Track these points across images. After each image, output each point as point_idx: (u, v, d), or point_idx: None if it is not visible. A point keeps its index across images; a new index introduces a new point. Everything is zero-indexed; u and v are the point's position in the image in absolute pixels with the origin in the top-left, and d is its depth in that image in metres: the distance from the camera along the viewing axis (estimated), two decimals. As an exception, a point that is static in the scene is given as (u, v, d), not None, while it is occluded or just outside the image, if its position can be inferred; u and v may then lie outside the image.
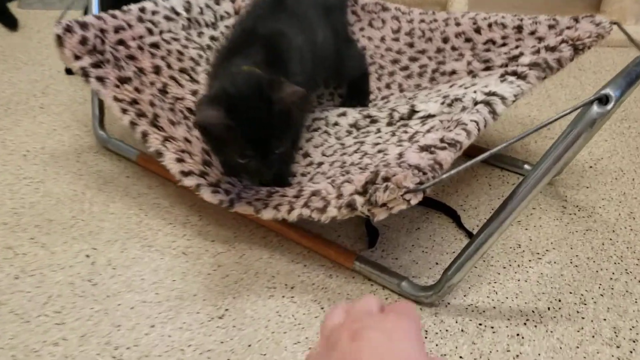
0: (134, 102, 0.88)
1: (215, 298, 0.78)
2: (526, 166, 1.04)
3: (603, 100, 0.65)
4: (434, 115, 0.83)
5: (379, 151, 0.80)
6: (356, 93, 1.03)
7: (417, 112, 0.85)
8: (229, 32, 1.02)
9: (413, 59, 1.08)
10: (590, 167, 1.07)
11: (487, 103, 0.78)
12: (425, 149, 0.68)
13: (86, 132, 1.13)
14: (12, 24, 1.62)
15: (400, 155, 0.69)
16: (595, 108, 0.65)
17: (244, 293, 0.79)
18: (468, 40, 1.04)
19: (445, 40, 1.07)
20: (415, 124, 0.83)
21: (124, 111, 0.87)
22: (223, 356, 0.70)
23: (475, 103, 0.78)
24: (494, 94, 0.80)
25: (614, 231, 0.91)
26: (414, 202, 0.63)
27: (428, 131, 0.76)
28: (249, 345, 0.71)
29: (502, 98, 0.79)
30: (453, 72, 1.01)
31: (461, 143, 0.70)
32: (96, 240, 0.87)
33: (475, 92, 0.82)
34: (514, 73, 0.86)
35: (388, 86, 1.06)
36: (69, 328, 0.73)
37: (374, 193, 0.64)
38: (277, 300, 0.78)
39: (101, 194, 0.97)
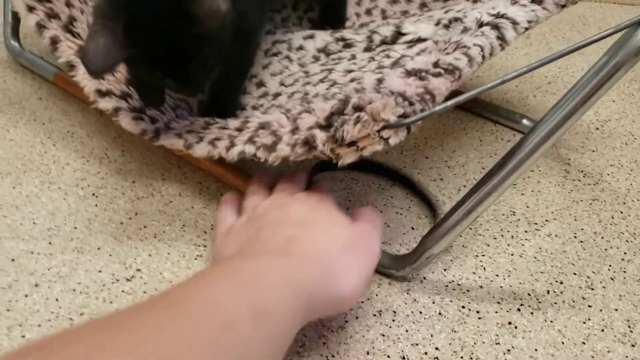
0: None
1: (125, 254, 0.60)
2: (524, 121, 0.87)
3: (651, 23, 0.48)
4: (424, 39, 0.65)
5: (352, 80, 0.62)
6: (331, 17, 0.84)
7: (404, 34, 0.67)
8: None
9: (400, -19, 0.90)
10: (597, 128, 0.91)
11: (495, 26, 0.60)
12: (413, 73, 0.50)
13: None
14: None
15: (380, 81, 0.51)
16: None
17: (163, 250, 0.61)
18: None
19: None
20: (400, 48, 0.65)
21: (30, 9, 0.68)
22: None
23: (480, 25, 0.60)
24: (503, 15, 0.62)
25: (624, 203, 0.75)
26: (393, 141, 0.46)
27: (418, 54, 0.58)
28: (162, 319, 0.54)
29: (514, 22, 0.61)
30: (450, -4, 0.83)
31: (460, 70, 0.52)
32: (-18, 172, 0.68)
33: (480, 13, 0.63)
34: (530, -4, 0.68)
35: (369, 12, 0.87)
36: None
37: (340, 126, 0.47)
38: (206, 263, 0.60)
39: (2, 116, 0.77)
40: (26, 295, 0.54)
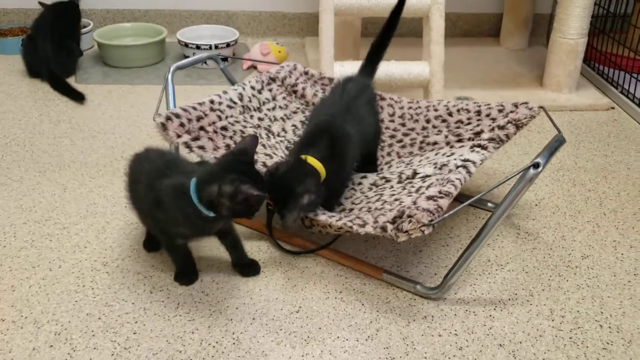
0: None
1: (291, 300, 1.16)
2: (489, 204, 1.46)
3: (536, 165, 1.08)
4: (430, 175, 1.25)
5: (395, 199, 1.21)
6: (369, 162, 1.45)
7: (418, 173, 1.27)
8: (305, 127, 1.45)
9: (405, 134, 1.52)
10: (536, 205, 1.50)
11: (464, 167, 1.20)
12: (430, 198, 1.09)
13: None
14: (79, 97, 1.99)
15: (415, 202, 1.10)
16: (532, 171, 1.07)
17: (309, 296, 1.18)
18: (444, 121, 1.48)
19: (428, 121, 1.51)
20: (418, 181, 1.24)
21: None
22: (304, 335, 1.08)
23: (457, 167, 1.20)
24: (467, 160, 1.23)
25: (551, 249, 1.34)
26: (427, 232, 1.04)
27: (429, 187, 1.18)
28: (320, 328, 1.10)
29: (473, 162, 1.22)
30: (435, 143, 1.44)
31: (452, 193, 1.11)
32: (203, 262, 1.25)
33: (455, 159, 1.24)
34: (479, 145, 1.29)
35: (389, 154, 1.48)
36: (198, 322, 1.11)
37: (401, 224, 1.05)
38: (332, 300, 1.17)
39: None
40: (250, 323, 1.11)
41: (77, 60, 2.28)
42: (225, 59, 2.32)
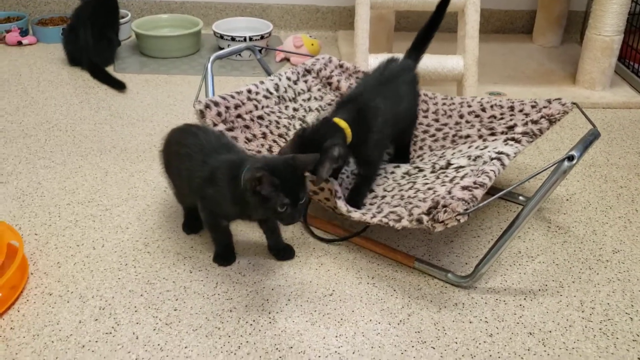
0: (259, 153, 1.32)
1: (325, 284, 1.20)
2: (521, 197, 1.48)
3: (570, 158, 1.09)
4: (463, 166, 1.27)
5: (429, 189, 1.23)
6: (402, 153, 1.47)
7: (452, 164, 1.30)
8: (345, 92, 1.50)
9: (438, 129, 1.54)
10: (567, 199, 1.51)
11: (498, 159, 1.22)
12: (465, 188, 1.12)
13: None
14: (120, 86, 2.05)
15: (449, 192, 1.13)
16: (566, 163, 1.09)
17: (341, 280, 1.21)
18: (477, 116, 1.50)
19: (461, 116, 1.53)
20: (451, 172, 1.27)
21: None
22: (337, 317, 1.12)
23: (491, 159, 1.22)
24: (501, 152, 1.25)
25: (582, 242, 1.35)
26: (462, 220, 1.06)
27: (463, 177, 1.20)
28: (352, 311, 1.13)
29: (507, 155, 1.24)
30: (468, 136, 1.46)
31: (486, 184, 1.13)
32: (239, 246, 1.29)
33: (489, 152, 1.26)
34: (513, 139, 1.31)
35: (421, 148, 1.51)
36: (235, 302, 1.15)
37: (436, 214, 1.07)
38: (364, 286, 1.20)
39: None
40: (285, 304, 1.14)
41: (116, 49, 2.34)
42: (260, 51, 2.35)
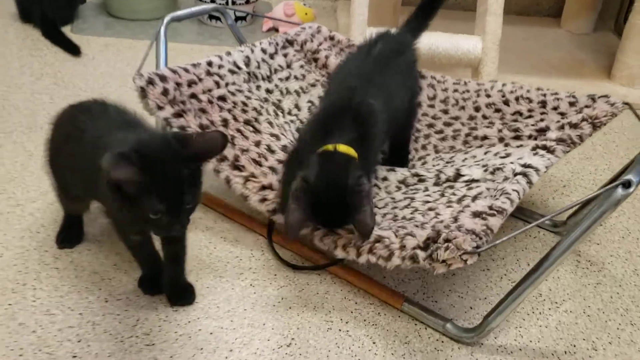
0: None
1: (282, 328, 0.90)
2: (546, 221, 1.17)
3: (627, 184, 0.79)
4: (477, 180, 0.96)
5: (430, 209, 0.93)
6: (399, 153, 1.16)
7: (462, 175, 0.98)
8: (321, 102, 1.11)
9: (447, 124, 1.22)
10: (601, 225, 1.20)
11: (525, 174, 0.91)
12: (477, 215, 0.81)
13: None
14: (74, 50, 1.73)
15: (455, 219, 0.82)
16: (620, 191, 0.78)
17: (305, 325, 0.91)
18: (498, 110, 1.19)
19: (477, 109, 1.21)
20: (461, 186, 0.96)
21: None
22: (295, 381, 0.82)
23: (515, 174, 0.92)
24: (529, 166, 0.94)
25: (620, 286, 1.05)
26: (470, 262, 0.76)
27: (476, 197, 0.89)
28: (315, 372, 0.84)
29: (536, 170, 0.93)
30: (485, 138, 1.14)
31: (506, 210, 0.83)
32: (173, 269, 0.99)
33: (512, 163, 0.95)
34: (544, 147, 1.00)
35: (424, 147, 1.19)
36: (158, 349, 0.85)
37: (435, 251, 0.77)
38: (335, 333, 0.90)
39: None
40: (226, 357, 0.85)
41: (78, 6, 2.03)
42: (242, 18, 2.03)
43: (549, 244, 1.13)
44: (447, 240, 0.77)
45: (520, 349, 0.90)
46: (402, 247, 0.82)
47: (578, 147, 1.03)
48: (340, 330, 0.91)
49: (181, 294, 0.93)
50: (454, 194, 0.94)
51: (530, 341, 0.92)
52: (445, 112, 1.26)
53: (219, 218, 1.12)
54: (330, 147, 0.87)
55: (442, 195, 0.96)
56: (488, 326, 0.88)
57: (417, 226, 0.88)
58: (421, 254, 0.79)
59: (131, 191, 0.72)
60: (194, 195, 0.76)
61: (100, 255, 1.01)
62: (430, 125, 1.25)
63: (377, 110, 0.94)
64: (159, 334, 0.87)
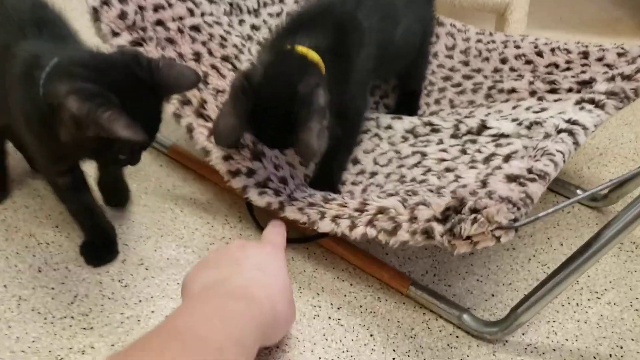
0: None
1: (257, 313, 0.71)
2: (579, 191, 0.98)
3: None
4: (507, 135, 0.77)
5: (447, 169, 0.74)
6: (407, 105, 0.96)
7: (488, 128, 0.79)
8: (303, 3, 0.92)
9: (467, 77, 1.02)
10: (645, 200, 1.01)
11: (571, 132, 0.72)
12: (513, 179, 0.62)
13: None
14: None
15: (484, 183, 0.63)
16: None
17: (287, 310, 0.72)
18: (529, 62, 0.99)
19: (504, 61, 1.01)
20: (487, 142, 0.76)
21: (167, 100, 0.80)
22: (268, 382, 0.64)
23: (559, 131, 0.72)
24: (575, 122, 0.74)
25: (673, 274, 0.86)
26: (504, 239, 0.57)
27: (509, 157, 0.70)
28: (295, 371, 0.65)
29: (584, 128, 0.74)
30: (512, 91, 0.95)
31: (549, 175, 0.64)
32: (127, 235, 0.81)
33: (554, 118, 0.76)
34: (592, 101, 0.80)
35: (437, 102, 0.99)
36: (97, 334, 0.67)
37: (458, 224, 0.58)
38: (323, 322, 0.72)
39: (132, 183, 0.90)
40: (183, 348, 0.66)
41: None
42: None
43: (585, 220, 0.94)
44: (474, 211, 0.58)
45: (554, 349, 0.72)
46: (413, 219, 0.63)
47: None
48: (329, 317, 0.72)
49: (118, 196, 0.84)
50: (478, 151, 0.75)
51: (567, 340, 0.74)
52: (466, 63, 1.06)
53: (190, 176, 0.93)
54: (288, 46, 0.69)
55: (463, 152, 0.76)
56: (517, 320, 0.69)
57: (431, 191, 0.69)
58: (438, 228, 0.60)
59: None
60: (157, 123, 0.66)
61: (40, 214, 0.82)
62: (446, 78, 1.05)
63: (364, 26, 0.76)
64: (100, 316, 0.69)
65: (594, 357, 0.72)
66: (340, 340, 0.70)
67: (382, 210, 0.67)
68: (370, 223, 0.66)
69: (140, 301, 0.71)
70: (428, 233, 0.61)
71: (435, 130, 0.85)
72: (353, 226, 0.67)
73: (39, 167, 0.79)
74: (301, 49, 0.70)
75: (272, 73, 0.68)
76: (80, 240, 0.77)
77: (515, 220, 0.57)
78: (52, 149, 0.65)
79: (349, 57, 0.74)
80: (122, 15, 0.83)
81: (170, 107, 0.80)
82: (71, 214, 0.75)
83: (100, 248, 0.76)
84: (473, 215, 0.58)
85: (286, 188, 0.77)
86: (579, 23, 1.69)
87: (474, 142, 0.79)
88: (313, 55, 0.70)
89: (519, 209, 0.58)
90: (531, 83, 0.93)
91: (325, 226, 0.70)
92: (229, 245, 0.66)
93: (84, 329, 0.67)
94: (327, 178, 0.81)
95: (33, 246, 0.77)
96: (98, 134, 0.57)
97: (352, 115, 0.80)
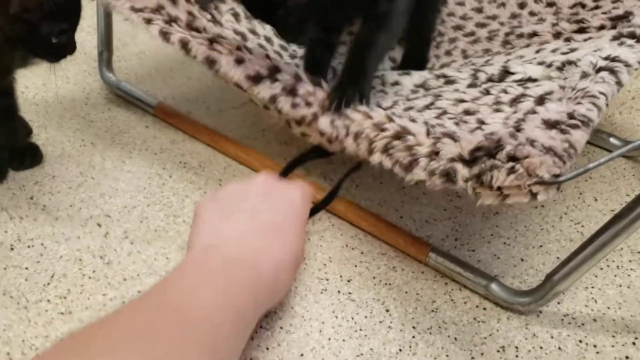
0: (160, 7, 0.69)
1: (257, 289, 0.63)
2: (612, 139, 0.89)
3: None
4: (535, 80, 0.66)
5: (467, 113, 0.63)
6: (414, 58, 0.85)
7: (512, 73, 0.69)
8: None
9: (481, 25, 0.91)
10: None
11: (612, 70, 0.62)
12: (552, 125, 0.53)
13: (96, 68, 0.96)
14: None
15: (518, 129, 0.53)
16: None
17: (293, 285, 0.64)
18: (550, 4, 0.88)
19: (522, 5, 0.90)
20: (513, 86, 0.66)
21: (149, 21, 0.68)
22: (272, 369, 0.56)
23: (598, 70, 0.62)
24: (615, 59, 0.64)
25: None
26: (541, 197, 0.48)
27: (543, 99, 0.60)
28: (301, 355, 0.57)
29: (627, 65, 0.63)
30: (534, 34, 0.84)
31: (593, 122, 0.54)
32: (109, 205, 0.72)
33: (590, 56, 0.65)
34: (632, 35, 0.70)
35: (448, 53, 0.88)
36: (76, 319, 0.59)
37: (489, 170, 0.49)
38: (332, 297, 0.63)
39: (115, 147, 0.81)
40: (174, 332, 0.58)
41: None
42: None
43: (620, 171, 0.85)
44: (512, 159, 0.49)
45: (594, 319, 0.63)
46: (433, 154, 0.53)
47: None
48: (339, 292, 0.64)
49: (27, 156, 0.77)
50: (504, 91, 0.65)
51: (608, 308, 0.65)
52: (479, 10, 0.95)
53: (179, 137, 0.84)
54: None
55: (487, 92, 0.66)
56: (553, 289, 0.60)
57: (455, 122, 0.59)
58: (463, 171, 0.51)
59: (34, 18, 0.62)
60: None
61: (13, 185, 0.74)
62: (457, 28, 0.93)
63: None
64: (80, 298, 0.61)
65: (640, 327, 0.63)
66: (352, 318, 0.61)
67: (400, 135, 0.56)
68: (385, 150, 0.56)
69: (124, 280, 0.63)
70: (449, 176, 0.52)
71: (449, 82, 0.74)
72: (370, 150, 0.57)
73: None
74: None
75: None
76: (57, 213, 0.69)
77: (559, 175, 0.48)
78: None
79: None
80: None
81: (154, 27, 0.68)
82: None
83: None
84: (511, 164, 0.49)
85: (314, 95, 0.63)
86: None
87: (497, 86, 0.68)
88: None
89: (564, 162, 0.49)
90: (554, 25, 0.82)
91: (349, 145, 0.59)
92: (253, 180, 0.60)
93: (62, 313, 0.59)
94: (359, 66, 0.68)
95: (5, 221, 0.69)
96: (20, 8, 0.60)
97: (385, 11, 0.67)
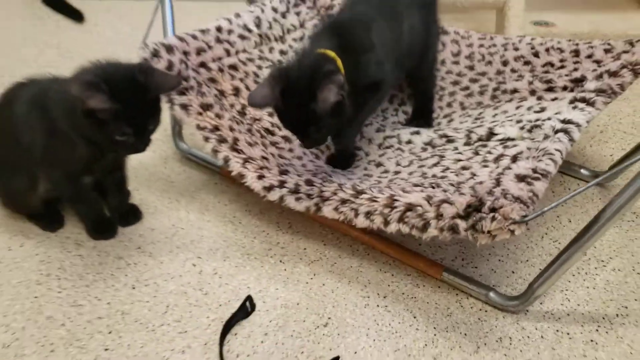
0: (215, 128, 0.94)
1: (317, 307, 0.86)
2: (583, 170, 1.11)
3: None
4: (513, 139, 0.90)
5: (464, 168, 0.87)
6: (422, 110, 1.10)
7: (496, 134, 0.92)
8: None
9: (473, 80, 1.15)
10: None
11: (566, 131, 0.85)
12: (522, 178, 0.75)
13: (168, 137, 1.19)
14: (78, 16, 1.66)
15: (498, 182, 0.76)
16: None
17: (341, 302, 0.87)
18: (527, 63, 1.12)
19: (505, 63, 1.14)
20: (496, 144, 0.90)
21: (206, 139, 0.94)
22: (335, 363, 0.79)
23: (556, 131, 0.85)
24: (569, 121, 0.87)
25: (669, 238, 0.99)
26: (517, 232, 0.71)
27: (516, 157, 0.83)
28: (355, 353, 0.80)
29: (577, 125, 0.87)
30: (515, 91, 1.07)
31: (550, 173, 0.77)
32: (199, 250, 0.95)
33: (551, 120, 0.89)
34: (583, 100, 0.93)
35: (449, 105, 1.13)
36: (190, 336, 0.82)
37: (479, 221, 0.72)
38: (373, 309, 0.86)
39: (195, 202, 1.04)
40: (262, 342, 0.81)
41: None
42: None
43: (590, 197, 1.07)
44: (492, 210, 0.72)
45: (568, 314, 0.86)
46: (439, 217, 0.77)
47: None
48: (378, 305, 0.87)
49: (129, 216, 1.01)
50: (489, 152, 0.88)
51: (579, 305, 0.88)
52: (471, 68, 1.19)
53: (242, 190, 1.07)
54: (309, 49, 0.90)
55: (476, 153, 0.90)
56: (534, 294, 0.83)
57: (452, 185, 0.82)
58: (462, 224, 0.74)
59: (103, 117, 0.78)
60: (155, 120, 0.84)
61: (124, 238, 0.97)
62: (455, 83, 1.18)
63: (370, 21, 0.95)
64: (190, 320, 0.84)
65: (603, 318, 0.85)
66: (390, 324, 0.84)
67: (410, 208, 0.80)
68: (401, 220, 0.79)
69: (220, 305, 0.86)
70: (454, 229, 0.75)
71: (450, 141, 0.98)
72: (386, 222, 0.80)
73: (63, 191, 0.94)
74: (321, 50, 0.87)
75: (299, 64, 0.86)
76: (162, 258, 0.92)
77: (525, 216, 0.71)
78: (86, 151, 0.85)
79: (361, 46, 0.91)
80: (169, 67, 0.96)
81: (209, 145, 0.93)
82: (80, 210, 0.97)
83: (104, 224, 0.98)
84: (492, 214, 0.72)
85: (313, 188, 0.88)
86: (576, 0, 1.79)
87: (484, 146, 0.92)
88: (330, 53, 0.87)
89: (528, 206, 0.72)
90: (530, 83, 1.06)
91: (361, 222, 0.82)
92: None
93: (180, 332, 0.82)
94: (343, 158, 0.99)
95: (123, 267, 0.92)
96: (85, 110, 0.77)
97: (376, 84, 0.95)
